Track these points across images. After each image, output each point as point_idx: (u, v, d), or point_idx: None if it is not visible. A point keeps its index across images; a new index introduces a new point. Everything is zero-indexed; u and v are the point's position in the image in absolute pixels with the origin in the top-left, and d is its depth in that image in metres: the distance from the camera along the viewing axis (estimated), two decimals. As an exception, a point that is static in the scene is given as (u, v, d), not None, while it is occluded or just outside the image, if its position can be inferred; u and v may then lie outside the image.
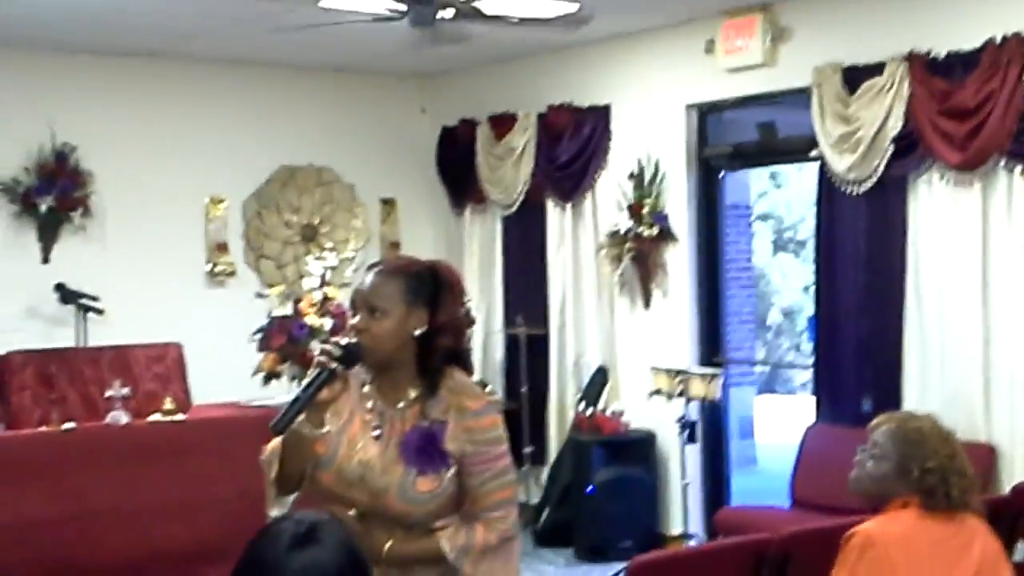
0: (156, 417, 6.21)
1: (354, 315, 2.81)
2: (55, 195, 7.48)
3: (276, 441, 2.81)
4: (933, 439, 3.12)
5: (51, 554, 5.74)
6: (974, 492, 3.13)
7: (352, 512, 2.77)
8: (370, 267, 2.91)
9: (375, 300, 2.79)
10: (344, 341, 2.76)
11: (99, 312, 7.19)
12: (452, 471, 2.79)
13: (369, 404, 2.84)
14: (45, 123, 7.49)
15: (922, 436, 3.13)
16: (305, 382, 2.71)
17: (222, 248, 8.21)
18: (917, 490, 3.08)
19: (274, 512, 2.76)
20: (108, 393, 6.09)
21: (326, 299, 6.60)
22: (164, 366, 6.48)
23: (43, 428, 5.99)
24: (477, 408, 2.83)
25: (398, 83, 8.88)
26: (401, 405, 2.82)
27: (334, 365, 2.69)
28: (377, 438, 2.81)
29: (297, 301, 6.59)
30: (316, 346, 2.90)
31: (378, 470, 2.77)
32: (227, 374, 6.99)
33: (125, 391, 6.11)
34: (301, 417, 2.68)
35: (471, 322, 2.94)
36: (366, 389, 2.86)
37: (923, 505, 3.08)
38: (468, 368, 2.91)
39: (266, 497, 2.83)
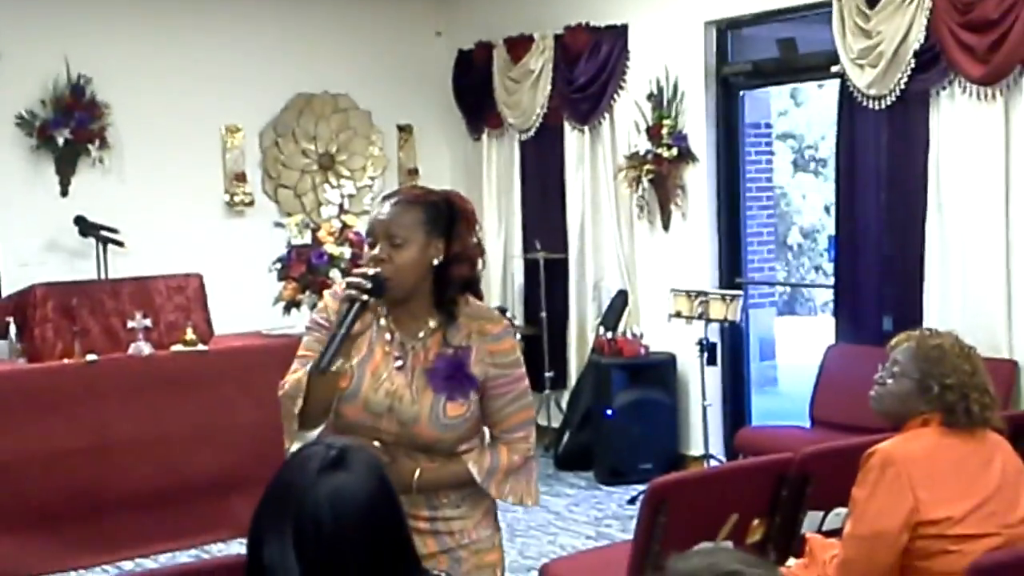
0: (178, 348, 6.25)
1: (372, 246, 2.81)
2: (72, 128, 7.46)
3: (297, 376, 2.82)
4: (953, 356, 3.11)
5: (76, 484, 5.82)
6: (995, 409, 3.13)
7: (376, 443, 2.79)
8: (385, 197, 2.90)
9: (396, 230, 2.78)
10: (370, 271, 2.76)
11: (119, 244, 7.20)
12: (477, 395, 2.84)
13: (388, 336, 2.86)
14: (60, 55, 7.45)
15: (942, 353, 3.11)
16: (338, 318, 2.73)
17: (240, 178, 8.20)
18: (937, 408, 3.08)
19: (294, 447, 2.76)
20: (130, 324, 6.12)
21: (344, 227, 6.60)
22: (185, 297, 6.50)
23: (66, 360, 6.03)
24: (498, 332, 2.87)
25: (413, 6, 8.79)
26: (421, 335, 2.85)
27: (365, 297, 2.71)
28: (400, 368, 2.83)
29: (316, 230, 6.59)
30: (340, 279, 2.86)
31: (407, 400, 2.81)
32: (248, 304, 7.02)
33: (147, 322, 6.14)
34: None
35: (483, 251, 2.94)
36: (383, 322, 2.86)
37: (944, 422, 3.07)
38: (479, 295, 2.93)
39: (286, 432, 2.84)
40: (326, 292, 2.99)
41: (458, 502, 2.89)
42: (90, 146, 7.54)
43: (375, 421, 2.82)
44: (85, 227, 7.26)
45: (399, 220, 2.79)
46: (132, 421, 6.00)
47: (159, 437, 6.05)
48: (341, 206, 6.78)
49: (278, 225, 7.08)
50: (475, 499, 2.90)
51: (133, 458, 5.98)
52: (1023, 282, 5.69)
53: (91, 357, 6.00)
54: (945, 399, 3.07)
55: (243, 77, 8.15)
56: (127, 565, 5.83)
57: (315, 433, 2.81)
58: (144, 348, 6.09)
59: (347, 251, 6.48)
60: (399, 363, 2.84)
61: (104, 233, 7.19)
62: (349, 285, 2.74)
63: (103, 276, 7.02)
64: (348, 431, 2.82)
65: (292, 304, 6.56)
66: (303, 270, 6.46)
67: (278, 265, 6.57)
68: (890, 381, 3.17)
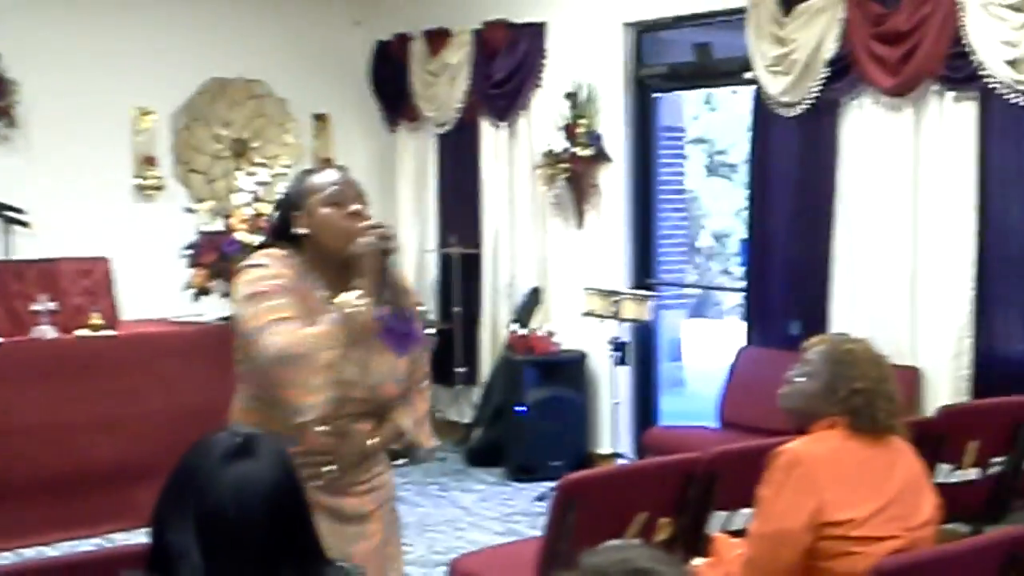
0: (84, 332, 6.13)
1: (343, 206, 2.90)
2: (-22, 104, 7.29)
3: (322, 329, 2.77)
4: (864, 362, 3.17)
5: (-24, 469, 5.69)
6: (899, 416, 3.19)
7: (324, 428, 2.85)
8: (318, 170, 3.05)
9: (361, 192, 2.97)
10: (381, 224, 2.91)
11: (24, 224, 7.05)
12: None
13: (325, 302, 2.87)
14: (-33, 30, 7.28)
15: (854, 358, 3.17)
16: (376, 265, 2.84)
17: (150, 161, 8.07)
18: (844, 411, 3.13)
19: (311, 401, 2.75)
20: (34, 307, 6.00)
21: (258, 215, 6.52)
22: (92, 280, 6.38)
23: (-33, 342, 5.90)
24: (411, 288, 3.05)
25: (332, -4, 8.74)
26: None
27: (392, 244, 2.87)
28: None
29: (227, 217, 6.51)
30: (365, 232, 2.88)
31: (371, 364, 2.91)
32: (156, 290, 6.91)
33: (52, 305, 6.02)
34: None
35: None
36: (319, 294, 2.90)
37: (849, 426, 3.13)
38: None
39: (304, 389, 2.76)
40: (258, 257, 2.94)
41: (381, 458, 3.07)
42: (-4, 124, 7.37)
43: (348, 391, 2.87)
44: (-11, 206, 7.09)
45: (358, 185, 2.98)
46: (34, 406, 5.88)
47: (62, 423, 5.94)
48: (255, 194, 6.70)
49: (188, 211, 6.98)
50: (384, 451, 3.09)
51: (35, 444, 5.86)
52: (928, 291, 5.82)
53: (-8, 340, 5.87)
54: (851, 403, 3.12)
55: (157, 58, 8.02)
56: (27, 553, 5.70)
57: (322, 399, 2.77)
58: (48, 332, 5.97)
59: (259, 239, 6.40)
60: None
61: (9, 213, 7.04)
62: (382, 236, 2.84)
63: (7, 257, 6.87)
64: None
65: (202, 291, 6.48)
66: (214, 257, 6.38)
67: (189, 252, 6.48)
68: (800, 380, 3.22)
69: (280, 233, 2.98)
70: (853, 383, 3.12)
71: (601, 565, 1.76)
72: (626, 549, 1.88)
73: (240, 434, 1.99)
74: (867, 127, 6.02)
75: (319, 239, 2.91)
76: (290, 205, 2.97)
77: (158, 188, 8.08)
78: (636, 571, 1.72)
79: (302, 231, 2.92)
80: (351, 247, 2.85)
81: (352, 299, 2.80)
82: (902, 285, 5.89)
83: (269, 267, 2.89)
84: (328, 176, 2.96)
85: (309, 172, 3.04)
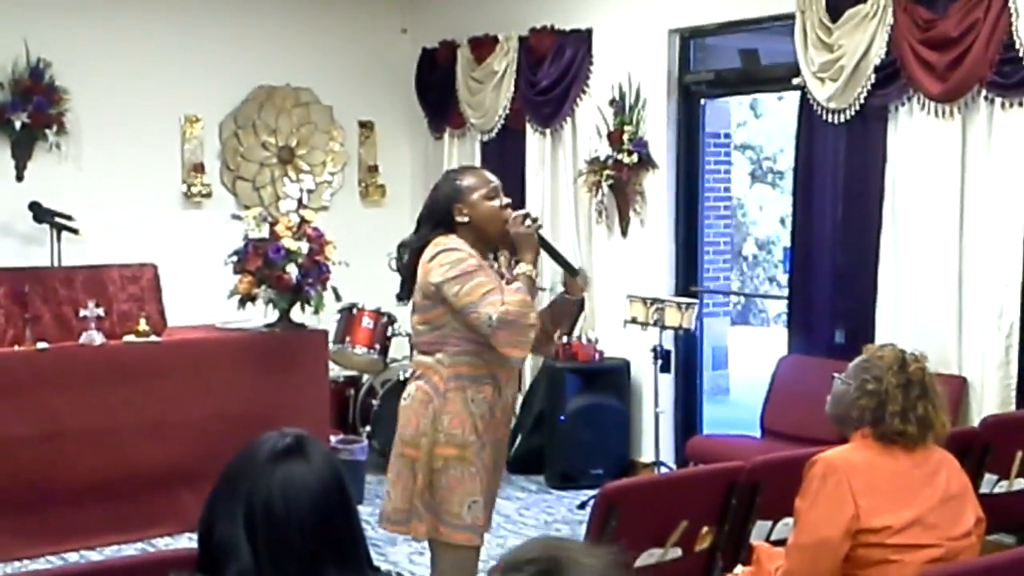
0: (130, 338, 6.19)
1: (500, 199, 3.84)
2: (30, 112, 7.36)
3: (520, 297, 3.64)
4: (886, 366, 3.14)
5: (25, 474, 5.76)
6: (921, 426, 3.12)
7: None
8: (466, 171, 4.01)
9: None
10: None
11: (74, 231, 7.13)
12: None
13: (496, 267, 3.86)
14: (20, 38, 7.36)
15: (878, 362, 3.16)
16: (539, 243, 3.78)
17: (198, 168, 8.14)
18: (860, 415, 3.12)
19: (526, 353, 3.78)
20: (82, 313, 6.05)
21: (303, 222, 6.56)
22: (139, 287, 6.44)
23: (16, 347, 5.96)
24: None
25: (379, 3, 8.77)
26: (510, 265, 3.88)
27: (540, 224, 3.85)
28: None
29: (273, 224, 6.55)
30: (520, 220, 3.79)
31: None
32: (202, 296, 6.96)
33: (99, 311, 6.08)
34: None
35: None
36: (492, 260, 3.87)
37: (873, 435, 3.11)
38: None
39: (520, 343, 3.67)
40: (450, 242, 3.74)
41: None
42: (47, 131, 7.45)
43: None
44: (40, 213, 7.18)
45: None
46: (81, 411, 5.93)
47: (108, 428, 5.99)
48: (300, 200, 6.74)
49: (235, 217, 7.02)
50: None
51: (81, 449, 5.92)
52: (974, 299, 5.76)
53: (42, 345, 5.93)
54: (861, 403, 3.11)
55: (205, 67, 8.09)
56: (72, 557, 5.76)
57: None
58: (96, 337, 6.03)
59: (305, 246, 6.44)
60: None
61: (59, 220, 7.12)
62: (534, 220, 3.79)
63: (56, 263, 6.95)
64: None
65: (247, 298, 6.51)
66: (259, 264, 6.41)
67: (234, 258, 6.52)
68: (838, 384, 3.23)
69: (440, 222, 3.79)
70: (867, 384, 3.11)
71: (522, 554, 1.70)
72: (552, 538, 1.85)
73: (291, 435, 2.01)
74: (915, 134, 5.97)
75: (480, 225, 3.79)
76: (451, 199, 3.81)
77: (206, 195, 8.15)
78: (551, 559, 1.67)
79: (463, 220, 3.77)
80: (510, 230, 3.75)
81: (527, 270, 3.70)
82: (948, 294, 5.83)
83: (462, 250, 3.70)
84: (484, 174, 3.91)
85: (459, 173, 3.95)
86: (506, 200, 3.84)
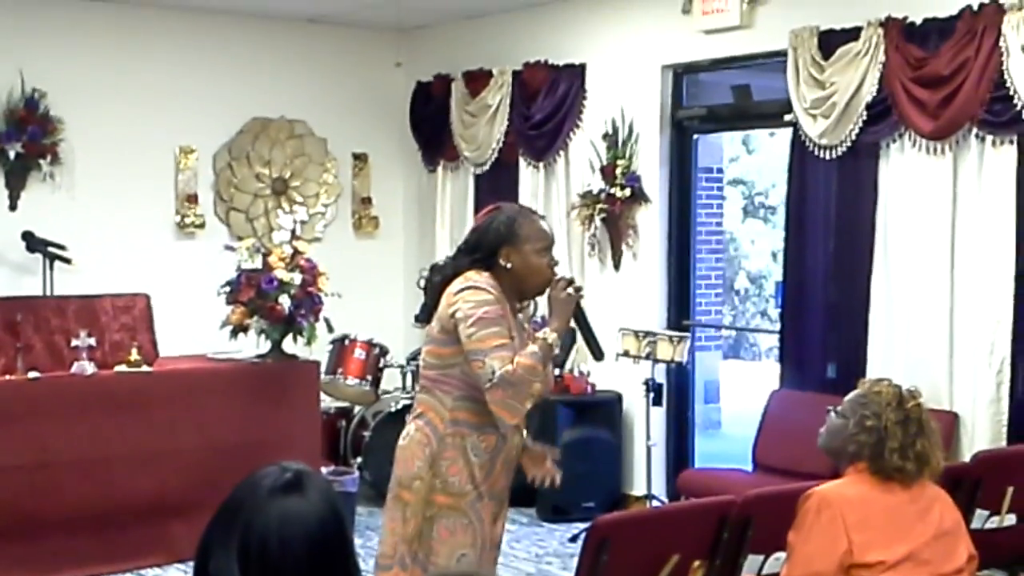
0: (122, 368, 6.18)
1: (550, 257, 3.69)
2: (24, 142, 7.39)
3: (531, 362, 3.44)
4: (883, 402, 3.15)
5: (16, 503, 5.73)
6: (917, 463, 3.13)
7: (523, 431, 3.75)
8: (531, 215, 3.75)
9: None
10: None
11: (66, 261, 7.13)
12: None
13: (521, 322, 3.70)
14: (15, 68, 7.39)
15: (875, 397, 3.17)
16: (577, 314, 3.69)
17: (192, 199, 8.15)
18: (858, 449, 3.12)
19: (518, 421, 3.62)
20: (74, 343, 6.04)
21: (296, 253, 6.57)
22: (131, 317, 6.43)
23: (8, 376, 5.95)
24: None
25: (373, 36, 8.82)
26: (530, 319, 3.85)
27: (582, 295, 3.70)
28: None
29: (266, 255, 6.55)
30: (564, 285, 3.66)
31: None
32: (194, 326, 6.96)
33: (91, 341, 6.07)
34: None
35: None
36: (514, 318, 3.63)
37: (869, 470, 3.11)
38: None
39: (518, 409, 3.51)
40: (483, 281, 3.54)
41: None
42: (41, 161, 7.48)
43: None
44: (32, 242, 7.19)
45: None
46: (72, 441, 5.92)
47: (99, 458, 5.97)
48: (293, 232, 6.75)
49: (228, 248, 7.03)
50: None
51: (72, 478, 5.90)
52: (966, 335, 5.78)
53: (33, 374, 5.92)
54: (859, 439, 3.12)
55: (200, 98, 8.13)
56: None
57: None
58: (87, 367, 6.02)
59: (297, 277, 6.44)
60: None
61: (51, 249, 7.13)
62: (577, 289, 3.66)
63: (49, 293, 6.94)
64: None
65: (240, 328, 6.51)
66: (252, 295, 6.41)
67: (227, 289, 6.53)
68: (833, 418, 3.24)
69: (481, 259, 3.60)
70: (865, 420, 3.12)
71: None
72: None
73: (289, 469, 2.00)
74: (906, 170, 6.01)
75: (522, 277, 3.61)
76: (503, 240, 3.60)
77: (199, 226, 8.17)
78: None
79: (507, 265, 3.58)
80: (550, 292, 3.62)
81: (551, 338, 3.50)
82: (940, 329, 5.86)
83: (493, 293, 3.52)
84: (544, 227, 3.68)
85: (520, 216, 3.68)
86: (555, 260, 3.69)
